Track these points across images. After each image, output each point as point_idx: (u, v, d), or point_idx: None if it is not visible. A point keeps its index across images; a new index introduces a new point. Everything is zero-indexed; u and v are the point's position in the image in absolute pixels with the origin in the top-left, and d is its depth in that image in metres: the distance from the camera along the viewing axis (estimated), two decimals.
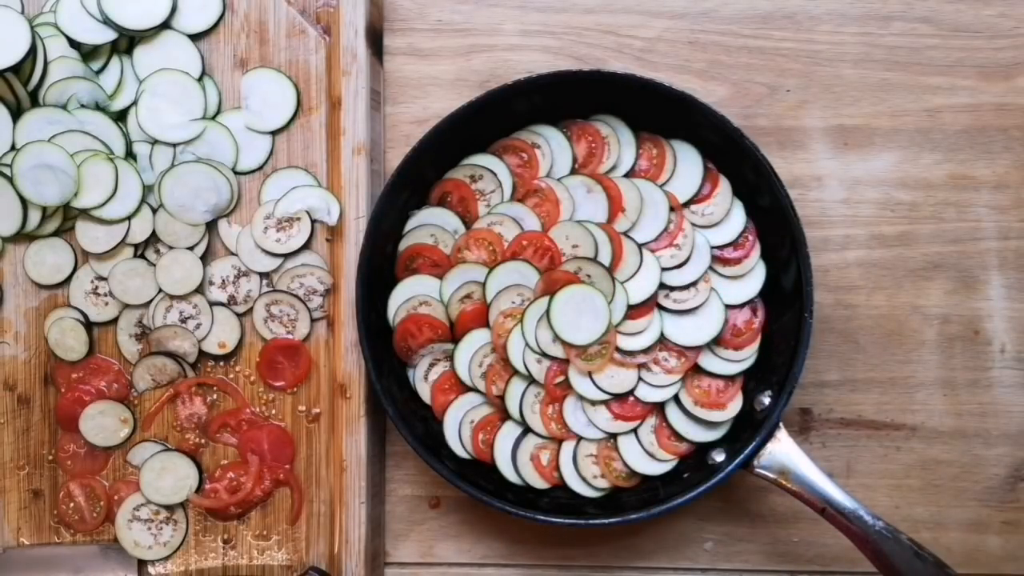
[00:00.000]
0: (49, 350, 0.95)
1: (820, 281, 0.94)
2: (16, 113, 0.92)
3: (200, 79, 0.94)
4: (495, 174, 0.94)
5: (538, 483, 0.93)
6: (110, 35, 0.92)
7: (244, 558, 0.95)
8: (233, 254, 0.95)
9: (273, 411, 0.95)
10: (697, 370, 0.93)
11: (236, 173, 0.94)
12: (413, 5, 1.01)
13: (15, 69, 0.90)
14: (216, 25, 0.95)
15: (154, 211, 0.93)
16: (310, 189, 0.94)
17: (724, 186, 0.94)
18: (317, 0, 0.95)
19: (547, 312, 0.91)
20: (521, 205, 0.94)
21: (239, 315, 0.95)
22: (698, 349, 0.92)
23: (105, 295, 0.95)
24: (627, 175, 0.94)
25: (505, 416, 0.93)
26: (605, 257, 0.92)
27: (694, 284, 0.93)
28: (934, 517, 0.98)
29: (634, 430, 0.93)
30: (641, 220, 0.93)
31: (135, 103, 0.93)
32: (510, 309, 0.93)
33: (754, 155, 0.88)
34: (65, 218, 0.94)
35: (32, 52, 0.90)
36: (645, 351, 0.92)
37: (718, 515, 0.98)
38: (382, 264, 0.94)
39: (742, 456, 0.87)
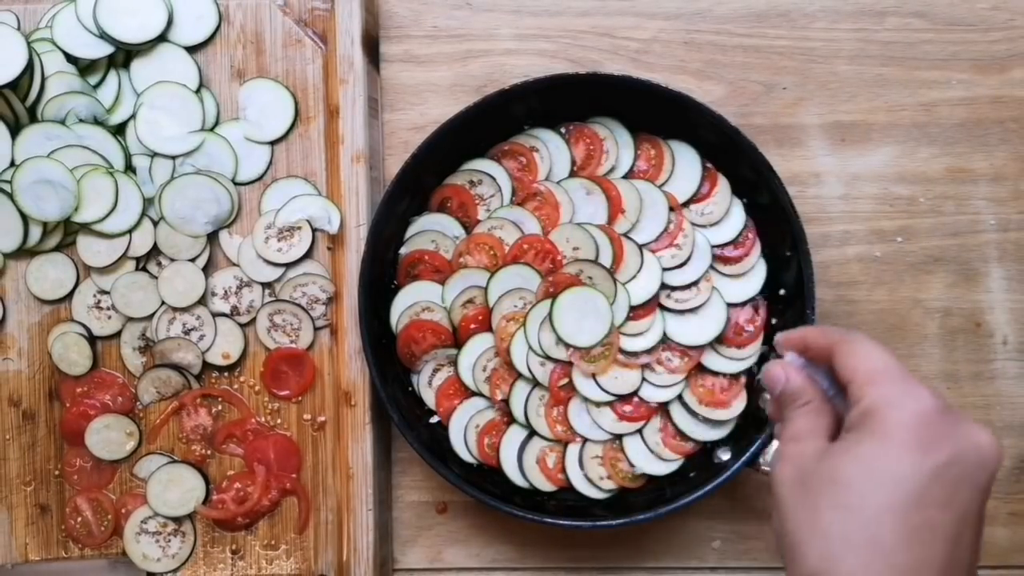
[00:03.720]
0: (53, 365, 0.95)
1: (821, 277, 0.94)
2: (15, 129, 0.92)
3: (198, 91, 0.94)
4: (494, 178, 0.95)
5: (545, 486, 0.93)
6: (107, 49, 0.93)
7: (253, 568, 0.95)
8: (235, 265, 0.95)
9: (278, 420, 0.95)
10: (701, 369, 0.93)
11: (236, 184, 0.94)
12: (408, 12, 1.01)
13: (13, 85, 0.90)
14: (212, 37, 0.95)
15: (155, 224, 0.93)
16: (310, 198, 0.94)
17: (723, 185, 0.94)
18: (309, 3, 0.95)
19: (549, 315, 0.91)
20: (521, 209, 0.94)
21: (242, 325, 0.95)
22: (701, 348, 0.92)
23: (108, 309, 0.95)
24: (626, 176, 0.95)
25: (510, 420, 0.93)
26: (606, 259, 0.92)
27: (695, 283, 0.93)
28: None
29: (639, 430, 0.93)
30: (641, 221, 0.93)
31: (133, 116, 0.93)
32: (512, 313, 0.93)
33: (752, 153, 0.88)
34: (66, 233, 0.94)
35: (29, 68, 0.90)
36: (648, 351, 0.92)
37: (725, 513, 0.98)
38: (383, 271, 0.94)
39: (748, 454, 0.87)
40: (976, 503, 0.55)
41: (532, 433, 0.93)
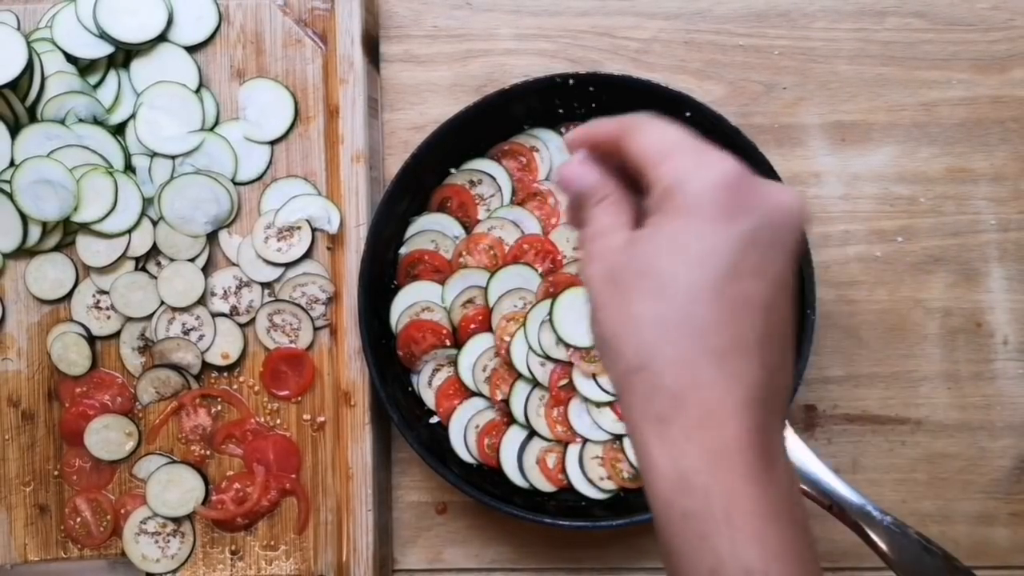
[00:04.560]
0: (52, 365, 0.95)
1: (821, 277, 0.94)
2: (14, 129, 0.92)
3: (198, 91, 0.94)
4: (494, 178, 0.95)
5: (545, 486, 0.93)
6: (107, 49, 0.93)
7: (252, 569, 0.94)
8: (234, 265, 0.95)
9: (278, 421, 0.95)
10: None
11: (236, 183, 0.94)
12: (408, 12, 1.01)
13: (12, 85, 0.90)
14: (212, 37, 0.95)
15: (154, 224, 0.93)
16: (310, 198, 0.94)
17: None
18: (309, 3, 0.95)
19: (550, 315, 0.91)
20: (521, 208, 0.94)
21: (242, 325, 0.95)
22: None
23: (107, 309, 0.95)
24: None
25: (510, 420, 0.93)
26: None
27: None
28: (941, 510, 0.98)
29: None
30: None
31: (133, 116, 0.93)
32: (512, 313, 0.93)
33: (752, 153, 0.88)
34: (65, 233, 0.94)
35: (29, 68, 0.90)
36: None
37: None
38: (383, 271, 0.94)
39: None
40: (787, 266, 0.52)
41: (532, 433, 0.93)
